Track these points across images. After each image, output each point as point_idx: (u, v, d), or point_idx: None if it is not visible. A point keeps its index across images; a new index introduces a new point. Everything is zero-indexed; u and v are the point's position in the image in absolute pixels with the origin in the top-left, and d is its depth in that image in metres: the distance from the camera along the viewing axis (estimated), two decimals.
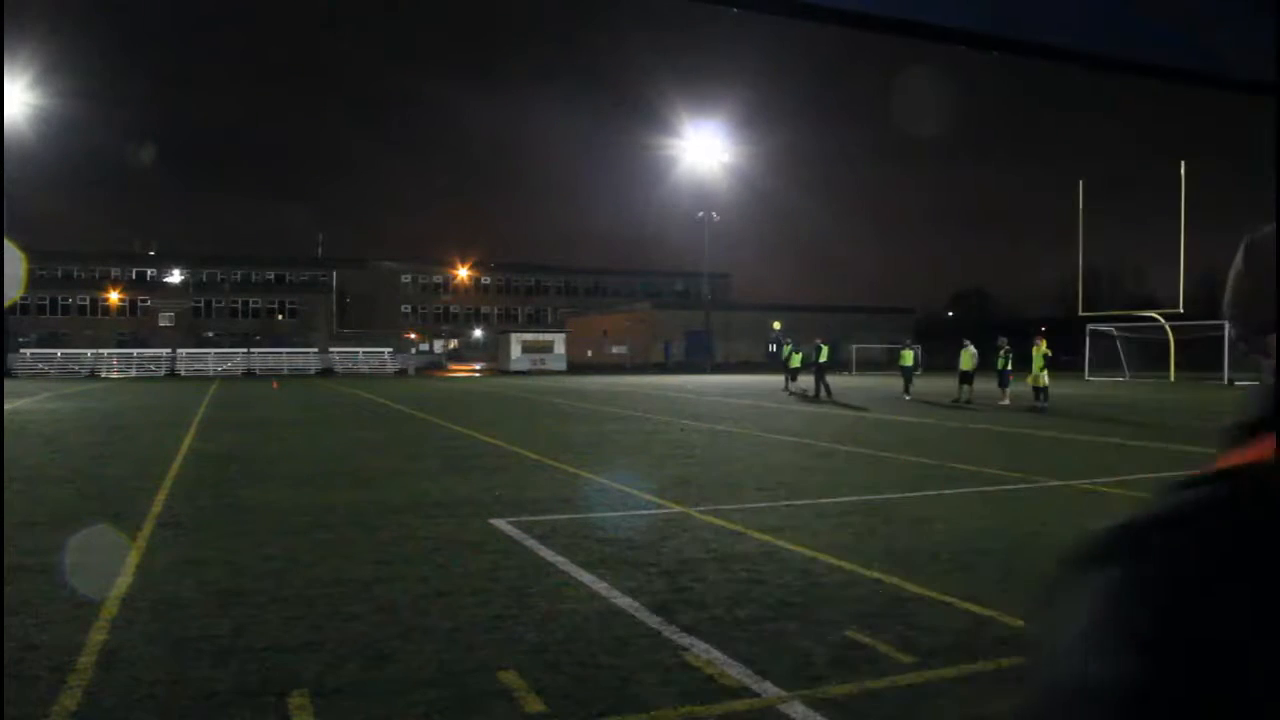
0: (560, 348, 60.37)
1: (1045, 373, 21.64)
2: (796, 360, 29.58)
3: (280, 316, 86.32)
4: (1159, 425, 17.71)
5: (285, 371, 55.11)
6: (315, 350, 62.04)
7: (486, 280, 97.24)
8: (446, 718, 3.68)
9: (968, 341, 24.22)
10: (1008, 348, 22.96)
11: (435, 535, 7.17)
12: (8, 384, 38.75)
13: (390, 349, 62.29)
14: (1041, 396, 21.29)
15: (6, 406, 23.36)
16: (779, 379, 32.55)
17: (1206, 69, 0.76)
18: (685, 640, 4.60)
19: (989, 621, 4.91)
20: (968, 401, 23.10)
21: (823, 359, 27.21)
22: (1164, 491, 0.63)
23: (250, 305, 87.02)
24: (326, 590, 5.55)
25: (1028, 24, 0.67)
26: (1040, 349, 22.01)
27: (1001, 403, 22.17)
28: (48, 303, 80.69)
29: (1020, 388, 22.70)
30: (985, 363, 24.69)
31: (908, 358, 26.92)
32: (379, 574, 5.95)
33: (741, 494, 9.18)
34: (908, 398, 25.31)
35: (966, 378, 23.75)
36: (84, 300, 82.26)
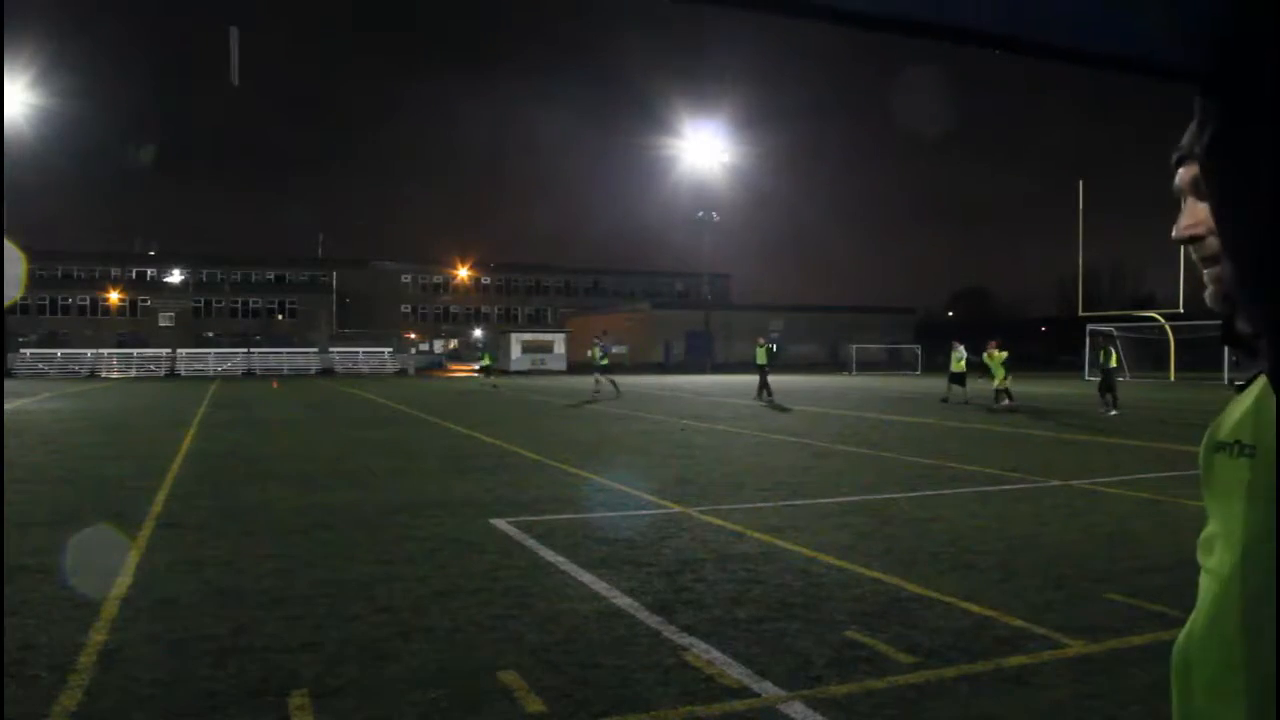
0: (560, 348, 60.37)
1: (1005, 377, 21.55)
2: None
3: (280, 316, 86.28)
4: (1158, 424, 17.71)
5: (285, 371, 55.12)
6: (315, 350, 61.98)
7: (486, 280, 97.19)
8: (446, 718, 3.68)
9: (957, 343, 24.31)
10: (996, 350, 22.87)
11: (435, 535, 7.17)
12: (8, 384, 38.74)
13: (390, 349, 62.26)
14: (1004, 398, 21.28)
15: (6, 406, 23.36)
16: (780, 380, 32.56)
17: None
18: (685, 640, 4.60)
19: (989, 621, 4.91)
20: (965, 402, 23.10)
21: (760, 360, 26.77)
22: None
23: (250, 305, 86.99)
24: (326, 590, 5.55)
25: (1031, 23, 0.67)
26: (994, 356, 21.79)
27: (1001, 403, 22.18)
28: (48, 303, 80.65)
29: (1018, 387, 22.70)
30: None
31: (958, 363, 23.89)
32: (379, 574, 5.95)
33: (741, 494, 9.18)
34: (943, 400, 23.83)
35: (957, 379, 23.84)
36: (84, 300, 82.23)
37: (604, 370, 29.25)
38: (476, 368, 36.07)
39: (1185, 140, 0.94)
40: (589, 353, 31.94)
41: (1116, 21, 0.69)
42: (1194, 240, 0.94)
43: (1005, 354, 21.65)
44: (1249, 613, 0.81)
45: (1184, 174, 0.96)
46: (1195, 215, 0.95)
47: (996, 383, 21.65)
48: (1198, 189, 0.94)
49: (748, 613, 5.08)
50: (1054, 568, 6.07)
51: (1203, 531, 0.92)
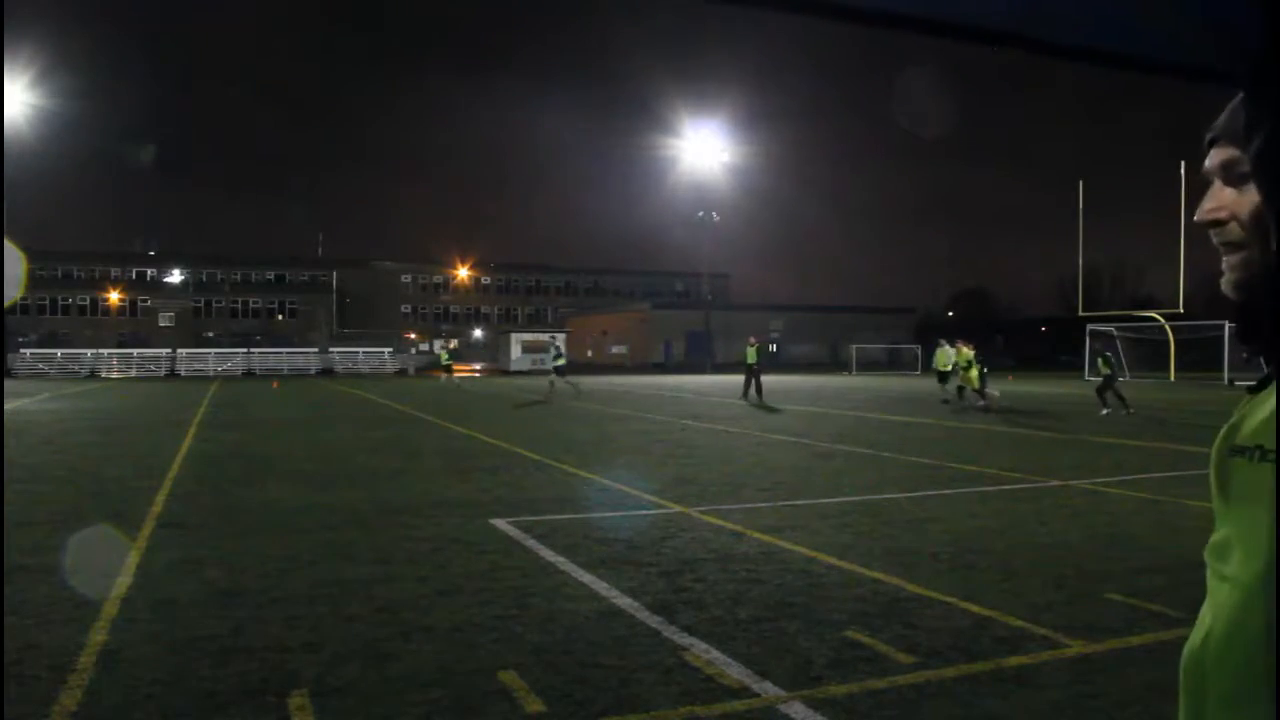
0: (560, 348, 60.31)
1: (974, 374, 21.48)
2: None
3: (280, 316, 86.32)
4: (1158, 425, 17.71)
5: (285, 371, 55.08)
6: (315, 350, 61.97)
7: (486, 280, 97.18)
8: (446, 718, 3.68)
9: (943, 341, 24.27)
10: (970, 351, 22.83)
11: (435, 535, 7.17)
12: (8, 384, 38.73)
13: (390, 349, 62.24)
14: (974, 397, 21.23)
15: (6, 406, 23.36)
16: (780, 380, 32.46)
17: (1217, 65, 0.76)
18: (685, 640, 4.60)
19: (989, 621, 4.91)
20: (959, 400, 23.08)
21: (750, 359, 26.31)
22: None
23: (250, 305, 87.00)
24: (326, 590, 5.55)
25: (1036, 20, 0.67)
26: (961, 354, 21.72)
27: (995, 402, 22.18)
28: (48, 303, 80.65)
29: (1020, 388, 22.67)
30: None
31: (941, 359, 24.06)
32: (379, 574, 5.95)
33: (741, 494, 9.18)
34: (944, 401, 23.20)
35: (943, 378, 23.83)
36: (84, 300, 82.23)
37: (560, 371, 29.26)
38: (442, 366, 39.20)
39: (1220, 122, 0.92)
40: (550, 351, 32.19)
41: (1144, 22, 0.68)
42: (1216, 224, 0.92)
43: (970, 354, 21.47)
44: (1276, 623, 0.78)
45: (1215, 156, 0.93)
46: (1220, 199, 0.92)
47: (971, 383, 21.55)
48: (1227, 173, 0.92)
49: (748, 613, 5.08)
50: (1054, 568, 6.07)
51: (1214, 535, 0.89)
